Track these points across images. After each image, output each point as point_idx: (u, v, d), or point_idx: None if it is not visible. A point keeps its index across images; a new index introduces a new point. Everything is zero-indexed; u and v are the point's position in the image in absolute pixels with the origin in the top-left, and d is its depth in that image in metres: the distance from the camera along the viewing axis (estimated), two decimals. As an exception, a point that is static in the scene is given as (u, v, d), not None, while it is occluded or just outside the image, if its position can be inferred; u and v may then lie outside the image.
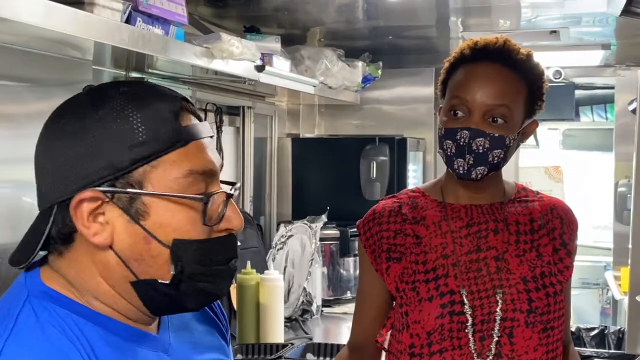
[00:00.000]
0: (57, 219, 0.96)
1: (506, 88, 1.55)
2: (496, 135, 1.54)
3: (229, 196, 1.01)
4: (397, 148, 3.78)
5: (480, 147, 1.54)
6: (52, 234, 0.97)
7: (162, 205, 0.95)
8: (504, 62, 1.57)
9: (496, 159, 1.55)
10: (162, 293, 0.98)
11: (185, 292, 0.98)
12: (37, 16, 1.57)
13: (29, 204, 1.52)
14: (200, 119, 1.02)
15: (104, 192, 0.94)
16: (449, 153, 1.56)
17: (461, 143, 1.54)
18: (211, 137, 1.03)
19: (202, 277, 0.98)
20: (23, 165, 1.96)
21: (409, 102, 4.09)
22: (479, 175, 1.56)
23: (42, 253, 1.01)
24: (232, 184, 1.05)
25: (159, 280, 0.96)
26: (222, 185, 1.03)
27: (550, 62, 3.97)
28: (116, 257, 0.96)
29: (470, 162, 1.55)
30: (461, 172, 1.56)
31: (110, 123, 0.94)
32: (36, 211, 1.00)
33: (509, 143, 1.56)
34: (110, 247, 0.96)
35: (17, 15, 1.51)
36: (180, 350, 1.07)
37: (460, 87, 1.57)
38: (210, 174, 0.99)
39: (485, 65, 1.57)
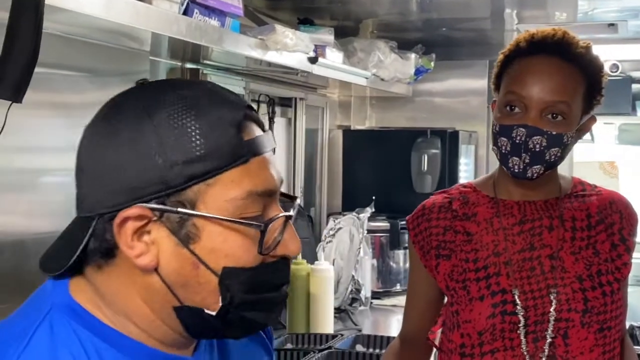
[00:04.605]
0: (97, 231, 0.86)
1: (565, 83, 1.49)
2: (554, 133, 1.47)
3: (287, 218, 0.90)
4: (449, 141, 3.75)
5: (537, 146, 1.47)
6: (91, 245, 0.87)
7: (215, 229, 0.85)
8: (563, 55, 1.51)
9: (553, 157, 1.49)
10: (207, 321, 0.88)
11: (232, 322, 0.89)
12: (97, 8, 1.60)
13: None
14: (264, 129, 0.91)
15: (153, 209, 0.84)
16: (503, 151, 1.50)
17: (517, 141, 1.48)
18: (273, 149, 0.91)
19: (251, 306, 0.88)
20: (81, 153, 2.01)
21: (462, 94, 4.05)
22: (535, 175, 1.50)
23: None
24: (292, 197, 0.94)
25: (206, 311, 0.87)
26: (279, 203, 0.92)
27: (607, 55, 3.88)
28: (160, 281, 0.86)
29: (527, 160, 1.48)
30: (516, 170, 1.50)
31: (166, 132, 0.84)
32: None
33: (567, 141, 1.50)
34: (155, 269, 0.86)
35: (79, 7, 1.55)
36: None
37: (517, 82, 1.50)
38: (270, 194, 0.88)
39: (543, 59, 1.51)
